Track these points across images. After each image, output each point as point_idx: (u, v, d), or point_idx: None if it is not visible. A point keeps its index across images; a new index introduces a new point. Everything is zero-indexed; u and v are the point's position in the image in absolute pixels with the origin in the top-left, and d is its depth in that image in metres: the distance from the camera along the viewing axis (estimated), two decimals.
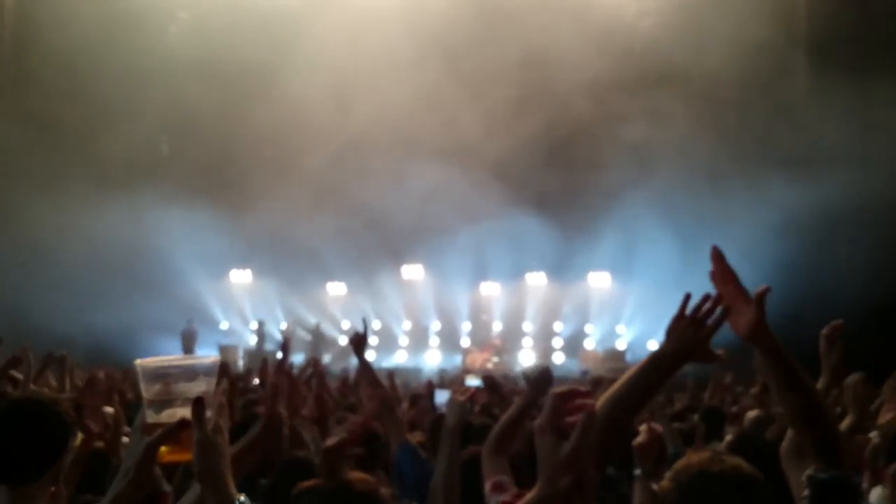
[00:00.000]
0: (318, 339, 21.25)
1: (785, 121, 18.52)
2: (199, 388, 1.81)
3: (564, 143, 20.14)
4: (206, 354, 11.09)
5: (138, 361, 1.83)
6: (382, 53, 19.27)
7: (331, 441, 2.52)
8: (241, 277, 22.90)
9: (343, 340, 21.02)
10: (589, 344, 21.79)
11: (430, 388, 9.23)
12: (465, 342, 22.14)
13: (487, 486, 2.92)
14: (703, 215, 17.88)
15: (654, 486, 3.49)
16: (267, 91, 19.71)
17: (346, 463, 2.40)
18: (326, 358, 19.18)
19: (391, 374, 11.54)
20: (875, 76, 15.99)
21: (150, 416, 1.83)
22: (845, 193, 15.42)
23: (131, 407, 6.16)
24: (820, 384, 3.20)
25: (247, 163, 20.86)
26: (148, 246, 19.29)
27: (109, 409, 5.41)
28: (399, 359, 21.62)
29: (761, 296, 2.21)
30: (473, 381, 12.30)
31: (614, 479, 4.27)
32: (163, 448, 1.83)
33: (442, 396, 7.66)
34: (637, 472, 3.47)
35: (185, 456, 1.80)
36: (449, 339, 22.33)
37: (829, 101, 16.50)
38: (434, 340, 22.42)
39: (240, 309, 22.53)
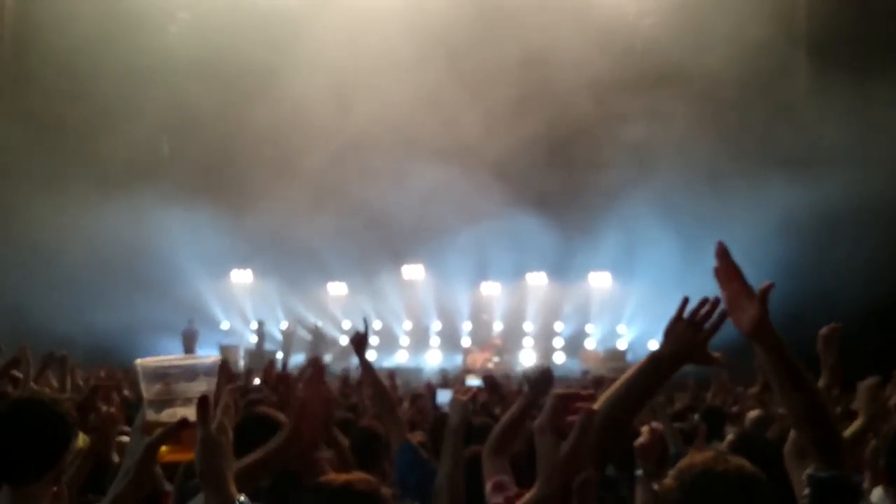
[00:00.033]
0: (318, 339, 21.26)
1: (785, 121, 18.51)
2: (199, 387, 1.81)
3: (565, 142, 20.14)
4: (207, 354, 11.09)
5: (138, 361, 1.83)
6: (383, 53, 19.27)
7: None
8: (241, 277, 22.91)
9: (344, 340, 21.03)
10: (590, 344, 21.79)
11: (430, 388, 9.24)
12: (466, 342, 22.14)
13: (488, 487, 2.92)
14: (704, 215, 17.87)
15: (656, 486, 3.49)
16: (267, 91, 19.72)
17: (319, 465, 2.39)
18: (328, 358, 19.19)
19: (392, 373, 11.55)
20: (875, 76, 15.98)
21: (151, 416, 1.83)
22: (846, 193, 15.41)
23: (131, 407, 6.17)
24: (819, 384, 3.20)
25: (247, 163, 20.86)
26: (148, 246, 19.30)
27: (125, 439, 5.41)
28: (400, 359, 21.62)
29: (765, 292, 2.21)
30: (474, 381, 12.30)
31: (614, 480, 4.27)
32: (163, 448, 1.83)
33: (444, 396, 7.66)
34: (639, 472, 3.47)
35: (186, 456, 1.80)
36: (450, 339, 22.34)
37: (830, 101, 16.50)
38: (435, 340, 22.43)
39: (240, 309, 22.54)
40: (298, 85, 18.91)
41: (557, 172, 19.99)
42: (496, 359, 20.86)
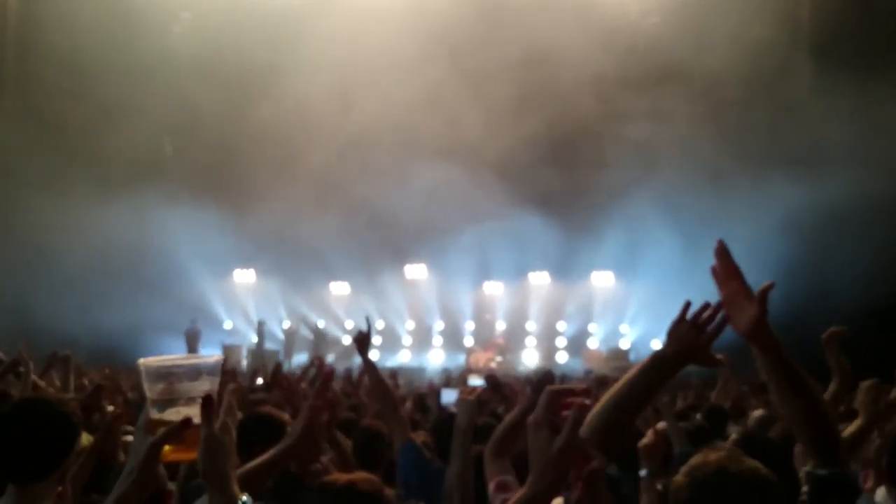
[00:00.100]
0: (320, 339, 21.28)
1: (788, 120, 18.48)
2: (202, 387, 1.81)
3: (567, 142, 20.12)
4: (210, 354, 11.05)
5: (142, 361, 1.83)
6: (385, 52, 19.27)
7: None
8: (244, 277, 22.93)
9: (347, 340, 21.05)
10: (592, 343, 21.78)
11: (433, 388, 9.24)
12: (469, 341, 22.14)
13: (491, 486, 2.93)
14: (706, 214, 17.84)
15: (659, 486, 3.50)
16: (270, 90, 19.74)
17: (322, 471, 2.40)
18: (330, 357, 19.20)
19: (394, 373, 11.55)
20: (878, 75, 15.95)
21: (154, 416, 1.83)
22: (848, 193, 15.38)
23: (134, 406, 6.17)
24: (831, 387, 3.20)
25: (250, 162, 20.88)
26: (151, 246, 19.33)
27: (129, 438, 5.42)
28: (402, 358, 21.64)
29: (764, 293, 2.21)
30: (476, 381, 12.30)
31: (616, 479, 4.27)
32: (166, 447, 1.83)
33: (448, 396, 7.66)
34: (643, 472, 3.47)
35: (189, 455, 1.80)
36: (452, 339, 22.34)
37: (833, 100, 16.47)
38: (437, 340, 22.44)
39: (243, 308, 22.56)
40: (301, 84, 18.92)
41: (560, 172, 19.97)
42: (499, 358, 20.85)
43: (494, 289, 22.69)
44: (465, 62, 19.46)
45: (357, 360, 6.71)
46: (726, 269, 2.22)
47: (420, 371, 19.94)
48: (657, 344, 19.26)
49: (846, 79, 16.05)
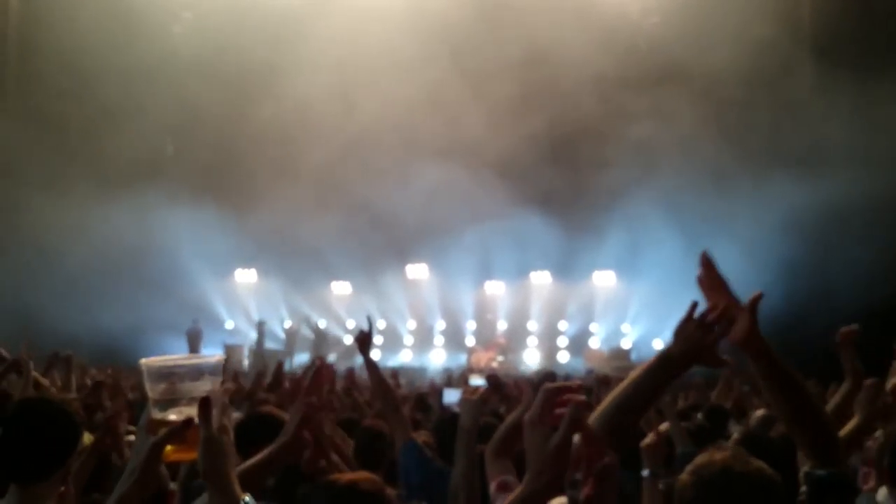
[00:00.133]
0: (321, 339, 21.28)
1: (790, 120, 18.47)
2: (204, 387, 1.81)
3: (569, 141, 20.12)
4: (211, 354, 11.04)
5: (143, 361, 1.83)
6: (387, 52, 19.27)
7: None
8: (246, 277, 22.95)
9: (348, 340, 21.08)
10: (594, 343, 21.78)
11: (435, 388, 9.24)
12: (470, 341, 22.14)
13: (493, 487, 2.93)
14: (708, 214, 17.85)
15: (661, 485, 3.50)
16: (271, 90, 19.75)
17: (330, 470, 2.40)
18: (331, 357, 19.21)
19: (395, 373, 11.55)
20: (880, 75, 15.94)
21: (156, 416, 1.84)
22: (850, 193, 15.37)
23: (136, 406, 6.18)
24: (843, 388, 3.18)
25: (251, 162, 20.88)
26: (153, 246, 19.34)
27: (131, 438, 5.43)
28: (404, 358, 21.65)
29: (754, 302, 2.20)
30: (478, 381, 12.31)
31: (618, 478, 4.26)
32: (168, 447, 1.83)
33: (450, 396, 7.66)
34: (645, 472, 3.47)
35: (190, 455, 1.80)
36: (454, 339, 22.34)
37: (834, 100, 16.46)
38: (439, 340, 22.44)
39: (245, 308, 22.57)
40: (302, 84, 18.93)
41: (561, 171, 19.97)
42: (500, 358, 20.85)
43: (496, 288, 22.69)
44: (465, 62, 19.46)
45: (359, 359, 6.71)
46: (711, 280, 2.20)
47: (421, 371, 19.96)
48: (659, 343, 19.37)
49: (847, 78, 16.04)
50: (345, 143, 19.81)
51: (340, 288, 22.65)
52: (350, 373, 9.13)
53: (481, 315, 22.70)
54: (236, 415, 4.56)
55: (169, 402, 1.82)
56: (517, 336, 22.13)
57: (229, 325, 22.28)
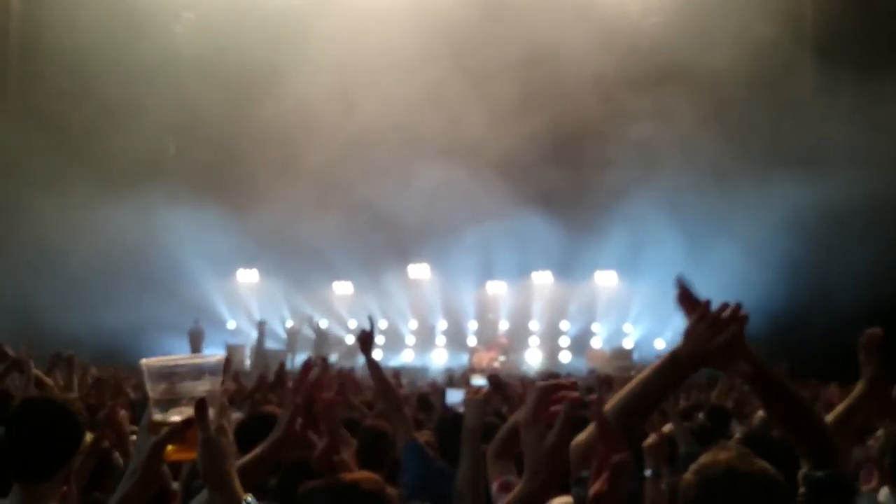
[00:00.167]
0: (322, 338, 21.28)
1: (791, 119, 18.47)
2: (204, 387, 1.81)
3: (571, 141, 20.13)
4: (213, 353, 10.99)
5: (144, 361, 1.83)
6: (388, 52, 19.27)
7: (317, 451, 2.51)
8: (247, 277, 22.95)
9: (350, 340, 21.09)
10: (596, 343, 21.78)
11: (437, 388, 9.23)
12: (472, 341, 22.13)
13: (494, 487, 2.93)
14: (710, 214, 17.86)
15: (663, 485, 3.50)
16: (273, 90, 19.76)
17: (342, 467, 2.40)
18: (333, 357, 19.21)
19: (397, 373, 11.53)
20: (881, 75, 15.93)
21: (157, 416, 1.83)
22: (851, 193, 15.36)
23: (137, 407, 6.18)
24: (854, 393, 3.16)
25: (253, 162, 20.89)
26: (155, 246, 19.36)
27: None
28: (406, 358, 21.65)
29: (741, 322, 2.14)
30: (479, 381, 12.29)
31: None
32: (169, 447, 1.83)
33: (453, 396, 7.65)
34: (648, 472, 3.47)
35: (191, 455, 1.80)
36: (455, 339, 22.33)
37: (836, 99, 16.45)
38: (440, 339, 22.44)
39: (246, 308, 22.57)
40: (304, 84, 18.94)
41: (563, 171, 19.97)
42: (502, 358, 20.85)
43: (497, 288, 22.69)
44: (467, 61, 19.47)
45: (360, 359, 6.71)
46: (688, 307, 2.15)
47: (423, 371, 19.95)
48: (660, 343, 19.38)
49: (849, 78, 16.04)
50: (346, 142, 19.82)
51: (342, 288, 22.66)
52: (342, 372, 9.10)
53: (483, 315, 22.70)
54: (237, 415, 4.57)
55: (169, 402, 1.82)
56: (519, 336, 22.13)
57: (231, 325, 22.28)
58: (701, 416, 6.35)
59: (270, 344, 21.25)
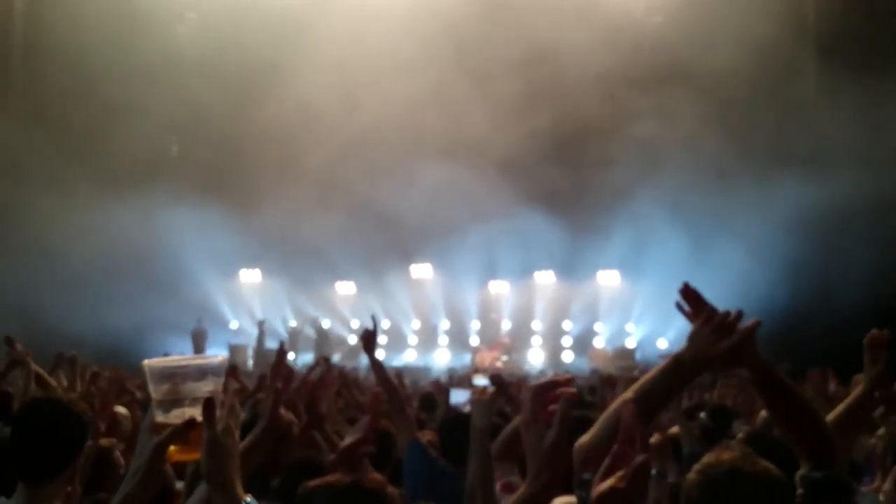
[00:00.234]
0: (323, 338, 21.28)
1: (794, 119, 18.46)
2: (207, 387, 1.81)
3: (573, 141, 20.11)
4: (215, 354, 11.05)
5: (146, 362, 1.83)
6: (390, 51, 19.27)
7: (347, 441, 2.52)
8: (250, 277, 22.95)
9: (353, 339, 21.09)
10: (598, 342, 21.75)
11: (440, 387, 9.22)
12: (475, 341, 22.12)
13: (497, 487, 2.93)
14: (713, 213, 17.84)
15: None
16: (275, 90, 19.78)
17: (362, 463, 2.40)
18: (335, 357, 19.21)
19: (399, 373, 11.54)
20: (883, 75, 15.91)
21: (159, 416, 1.84)
22: (853, 193, 15.35)
23: (142, 406, 6.18)
24: (854, 393, 3.14)
25: (255, 162, 20.92)
26: (157, 246, 19.36)
27: (121, 410, 5.43)
28: (408, 358, 21.63)
29: (751, 330, 2.12)
30: (482, 381, 12.29)
31: None
32: (172, 447, 1.83)
33: (457, 396, 7.64)
34: (653, 472, 3.46)
35: (194, 455, 1.80)
36: (458, 338, 22.32)
37: (839, 99, 16.44)
38: (443, 339, 22.43)
39: (249, 308, 22.57)
40: (305, 84, 18.94)
41: (565, 171, 19.96)
42: (504, 358, 20.82)
43: (500, 288, 22.67)
44: (469, 61, 19.47)
45: (363, 359, 6.72)
46: (693, 310, 2.12)
47: (426, 371, 19.93)
48: (663, 343, 19.37)
49: (851, 78, 16.02)
50: (348, 142, 19.82)
51: (345, 288, 22.65)
52: (343, 372, 9.10)
53: (485, 315, 22.69)
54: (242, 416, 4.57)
55: (172, 403, 1.82)
56: (521, 336, 22.11)
57: (234, 325, 22.29)
58: (703, 415, 6.34)
59: (271, 344, 21.24)
